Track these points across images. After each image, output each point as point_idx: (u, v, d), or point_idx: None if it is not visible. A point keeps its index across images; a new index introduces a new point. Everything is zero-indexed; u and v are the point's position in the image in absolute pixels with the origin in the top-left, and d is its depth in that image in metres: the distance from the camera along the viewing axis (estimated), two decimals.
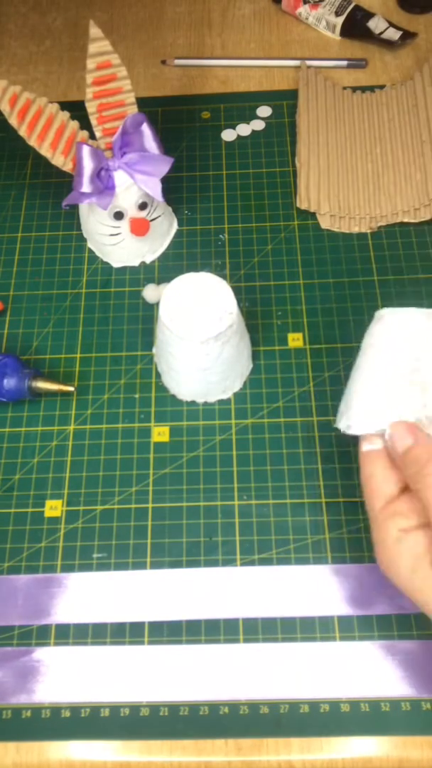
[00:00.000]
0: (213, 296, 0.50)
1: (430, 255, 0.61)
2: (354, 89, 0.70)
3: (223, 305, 0.50)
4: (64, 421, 0.56)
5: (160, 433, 0.55)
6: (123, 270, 0.62)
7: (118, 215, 0.58)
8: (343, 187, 0.64)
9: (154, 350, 0.57)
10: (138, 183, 0.56)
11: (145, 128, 0.56)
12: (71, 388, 0.54)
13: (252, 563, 0.50)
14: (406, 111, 0.67)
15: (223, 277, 0.53)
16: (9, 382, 0.54)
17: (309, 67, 0.71)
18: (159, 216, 0.60)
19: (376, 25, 0.73)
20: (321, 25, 0.75)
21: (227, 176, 0.67)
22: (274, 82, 0.72)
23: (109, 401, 0.56)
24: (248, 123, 0.69)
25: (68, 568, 0.50)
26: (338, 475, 0.52)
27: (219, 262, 0.62)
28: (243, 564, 0.50)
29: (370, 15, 0.73)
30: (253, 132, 0.69)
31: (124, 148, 0.56)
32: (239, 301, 0.52)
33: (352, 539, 0.50)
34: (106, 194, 0.56)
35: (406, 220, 0.62)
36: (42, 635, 0.48)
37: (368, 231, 0.62)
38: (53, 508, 0.52)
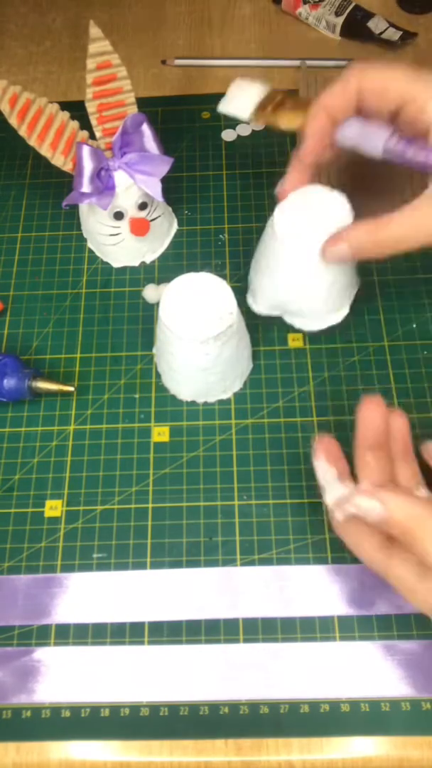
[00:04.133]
0: (213, 296, 0.50)
1: (429, 255, 0.61)
2: None
3: (223, 305, 0.50)
4: (64, 421, 0.56)
5: (160, 433, 0.55)
6: (123, 270, 0.62)
7: (118, 215, 0.58)
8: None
9: (154, 350, 0.57)
10: (138, 183, 0.56)
11: (145, 128, 0.56)
12: (71, 388, 0.54)
13: (252, 563, 0.50)
14: None
15: (223, 277, 0.53)
16: (9, 382, 0.54)
17: (309, 67, 0.71)
18: (159, 216, 0.60)
19: (376, 25, 0.73)
20: (321, 25, 0.75)
21: (227, 176, 0.66)
22: (274, 82, 0.72)
23: (109, 401, 0.56)
24: (248, 123, 0.69)
25: (68, 568, 0.50)
26: None
27: (219, 262, 0.62)
28: (243, 564, 0.50)
29: (370, 15, 0.73)
30: (253, 132, 0.69)
31: (124, 148, 0.56)
32: (239, 301, 0.52)
33: None
34: (106, 194, 0.56)
35: None
36: (42, 635, 0.48)
37: None
38: (53, 508, 0.52)
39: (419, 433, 0.53)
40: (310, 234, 0.50)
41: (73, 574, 0.50)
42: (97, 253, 0.63)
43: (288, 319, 0.57)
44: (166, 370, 0.55)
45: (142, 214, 0.58)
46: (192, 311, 0.50)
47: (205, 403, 0.56)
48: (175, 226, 0.64)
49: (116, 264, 0.62)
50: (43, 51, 0.77)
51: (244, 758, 0.44)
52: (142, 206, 0.58)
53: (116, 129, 0.55)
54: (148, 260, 0.62)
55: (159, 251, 0.63)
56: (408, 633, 0.47)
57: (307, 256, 0.51)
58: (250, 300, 0.57)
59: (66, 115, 0.56)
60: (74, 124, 0.56)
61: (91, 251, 0.63)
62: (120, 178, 0.56)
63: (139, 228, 0.58)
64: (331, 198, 0.51)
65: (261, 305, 0.56)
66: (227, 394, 0.56)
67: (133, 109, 0.56)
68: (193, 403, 0.56)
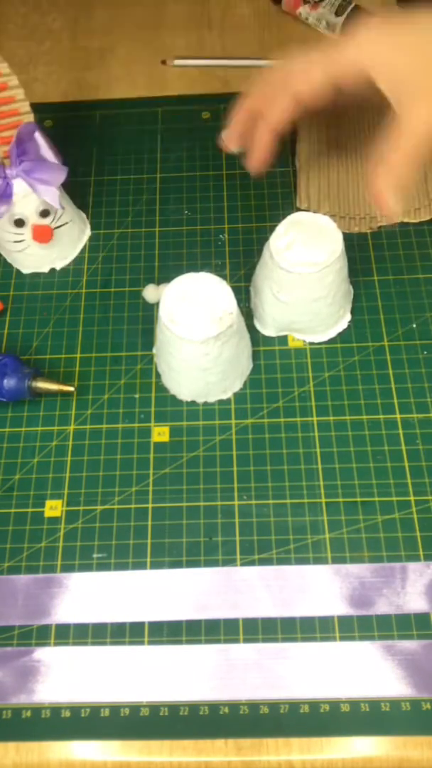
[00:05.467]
0: (213, 296, 0.50)
1: (430, 255, 0.61)
2: None
3: (223, 305, 0.50)
4: (64, 421, 0.56)
5: (160, 433, 0.55)
6: (123, 270, 0.62)
7: (19, 222, 0.57)
8: (343, 187, 0.64)
9: (154, 350, 0.57)
10: (36, 191, 0.55)
11: (38, 137, 0.55)
12: (71, 388, 0.54)
13: (252, 563, 0.50)
14: None
15: (223, 277, 0.53)
16: (9, 382, 0.54)
17: None
18: (67, 223, 0.60)
19: None
20: (321, 26, 0.75)
21: (227, 176, 0.66)
22: None
23: (109, 401, 0.56)
24: None
25: (68, 568, 0.50)
26: (338, 475, 0.52)
27: (219, 262, 0.62)
28: (243, 564, 0.50)
29: (370, 15, 0.73)
30: None
31: (21, 156, 0.55)
32: (239, 301, 0.52)
33: (352, 539, 0.50)
34: (3, 202, 0.55)
35: (406, 220, 0.62)
36: (42, 635, 0.48)
37: (368, 231, 0.62)
38: (53, 508, 0.52)
39: (419, 433, 0.53)
40: (307, 258, 0.51)
41: (73, 574, 0.50)
42: (8, 260, 0.63)
43: (298, 336, 0.57)
44: (166, 370, 0.55)
45: (46, 221, 0.58)
46: (192, 311, 0.50)
47: (205, 403, 0.56)
48: (87, 232, 0.64)
49: (25, 270, 0.62)
50: (43, 51, 0.77)
51: (244, 758, 0.44)
52: (44, 213, 0.58)
53: (12, 138, 0.55)
54: (58, 267, 0.62)
55: (70, 257, 0.63)
56: (408, 633, 0.47)
57: (307, 280, 0.51)
58: (258, 325, 0.58)
59: None
60: None
61: (91, 251, 0.63)
62: (19, 186, 0.55)
63: (42, 235, 0.58)
64: (322, 221, 0.53)
65: (269, 329, 0.58)
66: (227, 394, 0.56)
67: (29, 118, 0.55)
68: (193, 403, 0.56)
